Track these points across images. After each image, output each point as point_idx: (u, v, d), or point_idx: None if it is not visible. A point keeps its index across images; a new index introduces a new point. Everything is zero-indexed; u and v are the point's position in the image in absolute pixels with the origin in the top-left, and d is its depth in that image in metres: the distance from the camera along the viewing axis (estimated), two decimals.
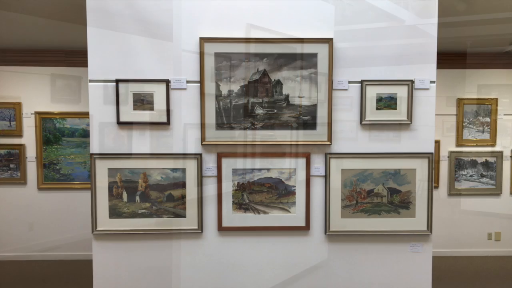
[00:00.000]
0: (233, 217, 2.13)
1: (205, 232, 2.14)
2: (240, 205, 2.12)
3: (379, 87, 2.07)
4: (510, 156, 4.83)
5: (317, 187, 2.14)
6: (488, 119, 4.83)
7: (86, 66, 2.06)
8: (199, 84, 2.05)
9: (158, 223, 2.11)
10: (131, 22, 2.02)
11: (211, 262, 2.15)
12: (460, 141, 4.83)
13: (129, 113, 2.06)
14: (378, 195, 2.14)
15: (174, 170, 2.09)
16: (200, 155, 2.08)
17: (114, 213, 2.10)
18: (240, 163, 2.10)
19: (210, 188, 2.12)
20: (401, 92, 2.08)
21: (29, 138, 4.62)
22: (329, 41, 2.03)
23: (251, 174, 2.11)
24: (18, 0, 3.01)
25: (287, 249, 2.16)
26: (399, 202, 2.14)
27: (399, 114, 2.09)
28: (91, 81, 2.05)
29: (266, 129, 2.07)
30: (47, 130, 4.60)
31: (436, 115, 2.13)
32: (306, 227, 2.14)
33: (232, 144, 2.08)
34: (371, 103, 2.08)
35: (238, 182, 2.11)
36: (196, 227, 2.12)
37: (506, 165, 4.86)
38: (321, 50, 2.04)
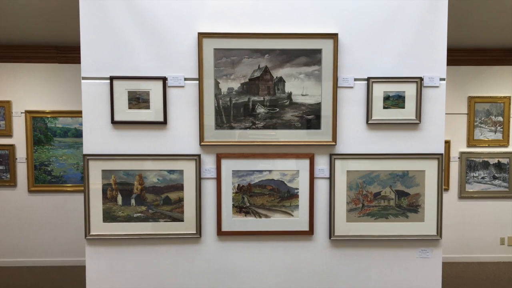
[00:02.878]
0: (233, 221, 2.13)
1: (203, 236, 2.14)
2: (240, 209, 2.13)
3: (387, 85, 2.07)
4: None
5: (321, 189, 2.14)
6: (500, 118, 4.82)
7: (79, 62, 2.06)
8: (197, 82, 2.05)
9: (155, 227, 2.11)
10: (126, 17, 2.02)
11: (210, 268, 2.15)
12: (471, 141, 4.82)
13: (124, 112, 2.06)
14: (385, 198, 2.14)
15: (171, 171, 2.09)
16: (199, 156, 2.08)
17: (108, 217, 2.10)
18: (241, 164, 2.10)
19: (209, 190, 2.12)
20: (409, 90, 2.08)
21: (19, 138, 4.63)
22: (333, 36, 2.03)
23: (252, 176, 2.11)
24: None
25: (289, 254, 2.16)
26: (407, 206, 2.14)
27: (407, 113, 2.09)
28: (84, 78, 2.06)
29: (267, 129, 2.07)
30: (38, 130, 4.60)
31: (446, 114, 2.13)
32: (310, 232, 2.14)
33: (232, 145, 2.08)
34: (378, 101, 2.08)
35: (238, 184, 2.11)
36: (194, 232, 2.12)
37: None
38: (326, 46, 2.04)
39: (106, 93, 2.05)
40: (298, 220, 2.13)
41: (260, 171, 2.11)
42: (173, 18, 2.03)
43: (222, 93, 2.05)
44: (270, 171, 2.11)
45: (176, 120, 2.08)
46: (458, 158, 4.85)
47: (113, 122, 2.06)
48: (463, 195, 4.87)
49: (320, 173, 2.12)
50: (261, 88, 2.06)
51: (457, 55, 4.67)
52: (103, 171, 2.08)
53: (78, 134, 4.58)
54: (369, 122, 2.09)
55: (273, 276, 2.16)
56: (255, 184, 2.11)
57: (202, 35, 2.01)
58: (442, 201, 2.14)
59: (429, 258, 2.17)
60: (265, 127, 2.07)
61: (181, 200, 2.10)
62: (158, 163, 2.08)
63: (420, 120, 2.09)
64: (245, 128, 2.07)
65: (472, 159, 4.83)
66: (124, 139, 2.08)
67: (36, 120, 4.59)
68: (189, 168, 2.09)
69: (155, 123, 2.07)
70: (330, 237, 2.14)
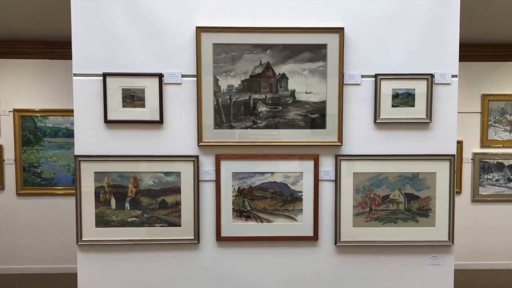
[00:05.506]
0: (233, 226, 2.13)
1: (202, 242, 2.15)
2: (241, 213, 2.13)
3: (395, 82, 2.07)
4: None
5: (326, 192, 2.14)
6: None
7: (70, 58, 2.07)
8: (195, 79, 2.06)
9: (150, 232, 2.11)
10: (120, 10, 2.03)
11: (209, 276, 2.16)
12: (485, 142, 4.82)
13: (117, 111, 2.06)
14: (394, 202, 2.14)
15: (167, 174, 2.09)
16: (197, 157, 2.08)
17: (101, 221, 2.10)
18: (241, 166, 2.10)
19: (207, 193, 2.12)
20: (419, 87, 2.08)
21: (7, 139, 4.63)
22: (339, 30, 2.03)
23: (253, 178, 2.11)
24: None
25: (293, 261, 2.16)
26: (417, 210, 2.14)
27: (418, 111, 2.09)
28: (75, 75, 2.06)
29: (269, 129, 2.07)
30: (27, 130, 4.61)
31: (458, 112, 2.13)
32: (314, 237, 2.14)
33: (232, 145, 2.08)
34: (386, 99, 2.08)
35: (238, 187, 2.11)
36: (192, 237, 2.12)
37: None
38: (331, 41, 2.04)
39: (99, 90, 2.06)
40: (301, 225, 2.13)
41: (262, 173, 2.11)
42: (169, 12, 2.03)
43: (222, 91, 2.05)
44: (272, 173, 2.11)
45: (172, 119, 2.08)
46: (471, 159, 4.84)
47: (106, 121, 2.06)
48: (476, 198, 4.86)
49: (325, 175, 2.12)
50: (262, 85, 2.06)
51: (470, 51, 4.67)
52: (95, 173, 2.08)
53: (69, 134, 4.58)
54: (377, 121, 2.09)
55: (275, 284, 2.16)
56: (256, 186, 2.11)
57: (200, 29, 2.01)
58: (454, 205, 2.14)
59: (440, 265, 2.17)
60: (267, 127, 2.07)
61: (178, 203, 2.10)
62: (154, 165, 2.08)
63: (431, 119, 2.09)
64: (246, 127, 2.07)
65: (486, 160, 4.83)
66: (118, 139, 2.08)
67: (24, 119, 4.59)
68: (186, 170, 2.09)
69: (150, 122, 2.07)
70: (335, 242, 2.14)
